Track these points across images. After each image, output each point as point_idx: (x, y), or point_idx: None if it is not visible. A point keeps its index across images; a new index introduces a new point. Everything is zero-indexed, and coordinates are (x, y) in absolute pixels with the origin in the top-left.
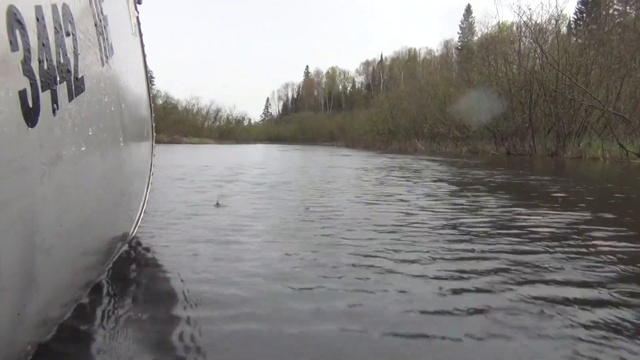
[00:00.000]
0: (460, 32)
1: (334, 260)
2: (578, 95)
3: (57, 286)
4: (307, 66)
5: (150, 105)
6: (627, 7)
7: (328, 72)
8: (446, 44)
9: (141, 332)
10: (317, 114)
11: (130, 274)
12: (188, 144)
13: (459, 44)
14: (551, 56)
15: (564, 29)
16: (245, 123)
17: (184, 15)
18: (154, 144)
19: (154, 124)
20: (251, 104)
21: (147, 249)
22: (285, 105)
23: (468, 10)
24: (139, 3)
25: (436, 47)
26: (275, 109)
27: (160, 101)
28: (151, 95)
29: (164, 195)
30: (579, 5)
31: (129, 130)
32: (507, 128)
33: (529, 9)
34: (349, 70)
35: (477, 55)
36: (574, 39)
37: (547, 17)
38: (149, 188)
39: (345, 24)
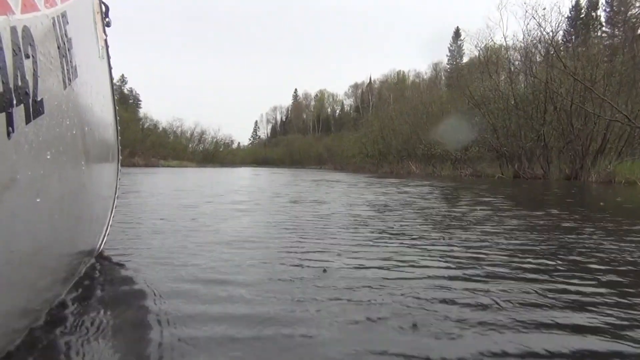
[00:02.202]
0: (449, 54)
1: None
2: (596, 109)
3: (8, 312)
4: (295, 89)
5: (117, 128)
6: (616, 30)
7: (317, 95)
8: (435, 66)
9: (98, 351)
10: (306, 137)
11: (88, 297)
12: (167, 167)
13: (448, 66)
14: (567, 66)
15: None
16: (234, 146)
17: (170, 37)
18: (119, 167)
19: (120, 147)
20: (240, 127)
21: (108, 272)
22: (273, 129)
23: (457, 33)
24: (108, 26)
25: (425, 69)
26: (264, 132)
27: (139, 123)
28: (117, 118)
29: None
30: (568, 28)
31: (92, 153)
32: (518, 148)
33: (544, 9)
34: (337, 93)
35: (478, 68)
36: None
37: (555, 24)
38: (114, 212)
39: (334, 47)
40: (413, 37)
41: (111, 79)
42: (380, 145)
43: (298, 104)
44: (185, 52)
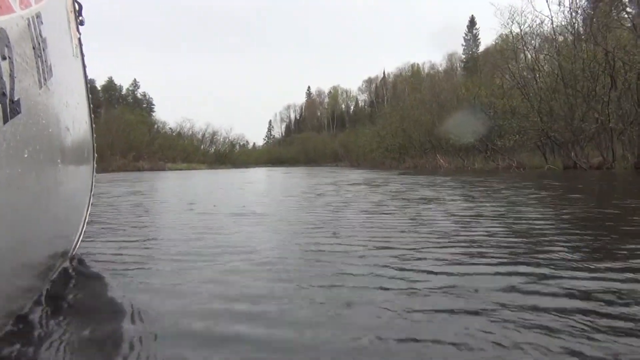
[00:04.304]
0: (464, 44)
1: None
2: None
3: None
4: (308, 87)
5: (92, 127)
6: None
7: (330, 92)
8: (450, 57)
9: (76, 349)
10: (320, 134)
11: (65, 296)
12: (175, 171)
13: (464, 56)
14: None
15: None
16: (250, 146)
17: (178, 38)
18: (95, 165)
19: (95, 145)
20: (254, 127)
21: (86, 270)
22: (288, 127)
23: (472, 22)
24: (82, 25)
25: (440, 61)
26: (278, 131)
27: (147, 126)
28: (92, 116)
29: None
30: (589, 11)
31: (68, 152)
32: (570, 133)
33: None
34: (351, 89)
35: (510, 46)
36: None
37: None
38: (89, 210)
39: (345, 42)
40: (425, 29)
41: (85, 77)
42: (401, 138)
43: (312, 102)
44: (194, 53)
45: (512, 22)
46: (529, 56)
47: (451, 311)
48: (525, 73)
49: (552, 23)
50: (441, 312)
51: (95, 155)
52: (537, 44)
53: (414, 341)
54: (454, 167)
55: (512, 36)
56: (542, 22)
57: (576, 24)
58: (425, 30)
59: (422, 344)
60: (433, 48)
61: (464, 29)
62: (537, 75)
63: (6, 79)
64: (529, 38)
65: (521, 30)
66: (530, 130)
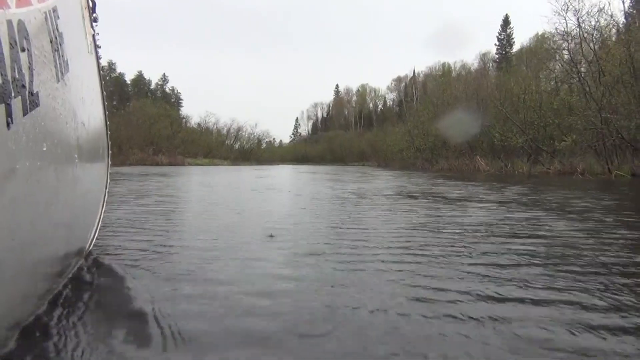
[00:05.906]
0: (497, 44)
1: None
2: None
3: (9, 300)
4: (337, 85)
5: (106, 123)
6: None
7: (358, 90)
8: (482, 57)
9: (97, 346)
10: (347, 132)
11: (85, 289)
12: (194, 166)
13: (497, 56)
14: None
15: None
16: (276, 143)
17: (207, 36)
18: (109, 162)
19: (110, 142)
20: (281, 125)
21: (101, 268)
22: (314, 125)
23: (506, 21)
24: (95, 22)
25: (472, 60)
26: (305, 129)
27: (169, 119)
28: (107, 113)
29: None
30: (630, 10)
31: (85, 147)
32: None
33: None
34: (379, 88)
35: (568, 35)
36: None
37: None
38: (105, 206)
39: (375, 41)
40: (454, 29)
41: (100, 74)
42: (432, 138)
43: (339, 100)
44: (224, 52)
45: (567, 9)
46: (587, 46)
47: None
48: (582, 65)
49: (623, 4)
50: None
51: (110, 152)
52: (596, 33)
53: None
54: (496, 170)
55: (566, 24)
56: (603, 8)
57: None
58: (454, 30)
59: None
60: (460, 48)
61: (497, 27)
62: (600, 67)
63: (25, 71)
64: (588, 26)
65: (578, 18)
66: (596, 129)
